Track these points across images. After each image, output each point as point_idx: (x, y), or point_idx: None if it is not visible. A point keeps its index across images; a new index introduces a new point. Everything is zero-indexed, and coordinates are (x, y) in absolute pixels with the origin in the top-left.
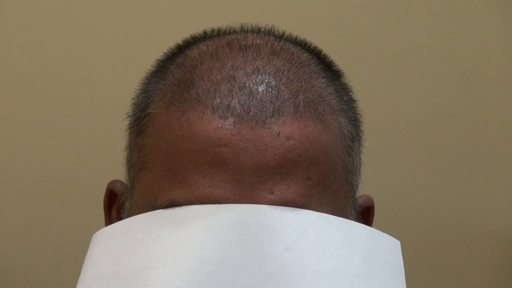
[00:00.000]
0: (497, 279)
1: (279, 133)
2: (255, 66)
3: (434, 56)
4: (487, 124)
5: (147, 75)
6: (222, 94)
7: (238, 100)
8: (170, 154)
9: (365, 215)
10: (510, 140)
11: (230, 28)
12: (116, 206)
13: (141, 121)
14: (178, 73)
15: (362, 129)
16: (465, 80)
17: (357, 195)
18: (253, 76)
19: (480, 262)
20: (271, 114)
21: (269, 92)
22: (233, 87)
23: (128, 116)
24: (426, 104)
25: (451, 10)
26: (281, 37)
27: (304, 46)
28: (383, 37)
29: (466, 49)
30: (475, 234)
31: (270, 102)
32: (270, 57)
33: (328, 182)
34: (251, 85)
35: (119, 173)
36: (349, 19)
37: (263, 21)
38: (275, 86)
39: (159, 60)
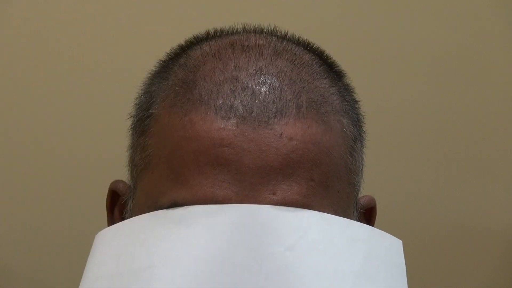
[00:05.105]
0: (497, 279)
1: (281, 134)
2: (258, 67)
3: (437, 56)
4: (487, 124)
5: (149, 75)
6: (225, 95)
7: (240, 100)
8: (172, 155)
9: (367, 215)
10: (510, 140)
11: (232, 29)
12: (118, 206)
13: (143, 121)
14: (181, 74)
15: (364, 129)
16: (466, 81)
17: (359, 195)
18: (256, 77)
19: (480, 261)
20: (273, 114)
21: (271, 93)
22: (236, 87)
23: (131, 116)
24: (427, 105)
25: (453, 10)
26: (283, 37)
27: (307, 46)
28: (386, 37)
29: (469, 50)
30: (475, 234)
31: (273, 102)
32: (272, 58)
33: (331, 182)
34: (254, 86)
35: (122, 173)
36: (351, 20)
37: (266, 21)
38: (277, 87)
39: (162, 61)
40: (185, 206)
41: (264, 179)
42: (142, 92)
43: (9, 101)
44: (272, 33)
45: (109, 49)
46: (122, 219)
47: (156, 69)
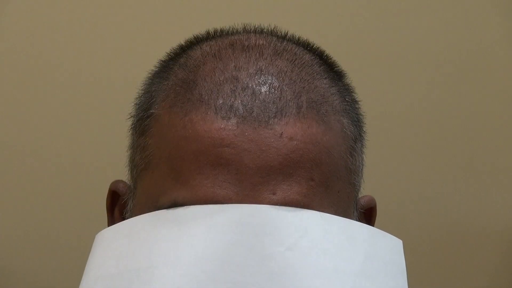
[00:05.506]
0: (497, 279)
1: (281, 134)
2: (258, 67)
3: (436, 56)
4: (487, 124)
5: (149, 75)
6: (225, 95)
7: (241, 100)
8: (173, 155)
9: (367, 215)
10: (510, 140)
11: (232, 29)
12: (118, 206)
13: (144, 121)
14: (181, 74)
15: (364, 129)
16: (466, 81)
17: (359, 195)
18: (256, 77)
19: (480, 262)
20: (274, 114)
21: (272, 93)
22: (236, 87)
23: (131, 116)
24: (427, 105)
25: (454, 10)
26: (284, 37)
27: (307, 46)
28: (386, 37)
29: (468, 50)
30: (475, 234)
31: (273, 102)
32: (273, 58)
33: (331, 182)
34: (254, 86)
35: (122, 173)
36: (351, 20)
37: (266, 21)
38: (278, 87)
39: (162, 61)
40: (185, 206)
41: (264, 179)
42: (142, 92)
43: (9, 101)
44: (272, 33)
45: (109, 49)
46: (122, 219)
47: (156, 69)
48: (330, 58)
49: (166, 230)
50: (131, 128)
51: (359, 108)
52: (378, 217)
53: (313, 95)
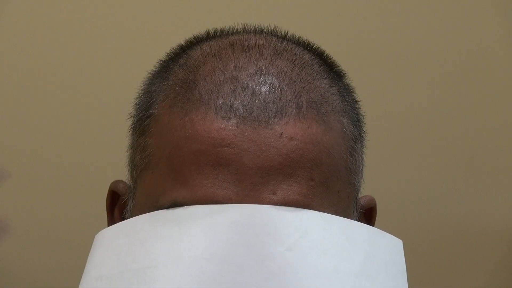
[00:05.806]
0: (497, 279)
1: (281, 134)
2: (258, 67)
3: (437, 57)
4: (487, 124)
5: (149, 75)
6: (225, 95)
7: (241, 100)
8: (172, 155)
9: (367, 215)
10: (510, 140)
11: (232, 29)
12: (118, 206)
13: (144, 121)
14: (181, 74)
15: (364, 129)
16: (466, 81)
17: (359, 195)
18: (256, 77)
19: (480, 261)
20: (274, 114)
21: (272, 93)
22: (236, 87)
23: (131, 117)
24: (427, 105)
25: (454, 10)
26: (284, 37)
27: (307, 46)
28: (386, 38)
29: (469, 51)
30: (475, 233)
31: (273, 102)
32: (273, 58)
33: (331, 182)
34: (254, 86)
35: (122, 173)
36: (351, 20)
37: (266, 21)
38: (278, 87)
39: (162, 61)
40: (185, 206)
41: (264, 179)
42: (142, 92)
43: (9, 101)
44: (272, 33)
45: (109, 49)
46: (122, 219)
47: (156, 69)
48: (330, 58)
49: (166, 230)
50: (131, 128)
51: (359, 108)
52: (378, 217)
53: (313, 95)
